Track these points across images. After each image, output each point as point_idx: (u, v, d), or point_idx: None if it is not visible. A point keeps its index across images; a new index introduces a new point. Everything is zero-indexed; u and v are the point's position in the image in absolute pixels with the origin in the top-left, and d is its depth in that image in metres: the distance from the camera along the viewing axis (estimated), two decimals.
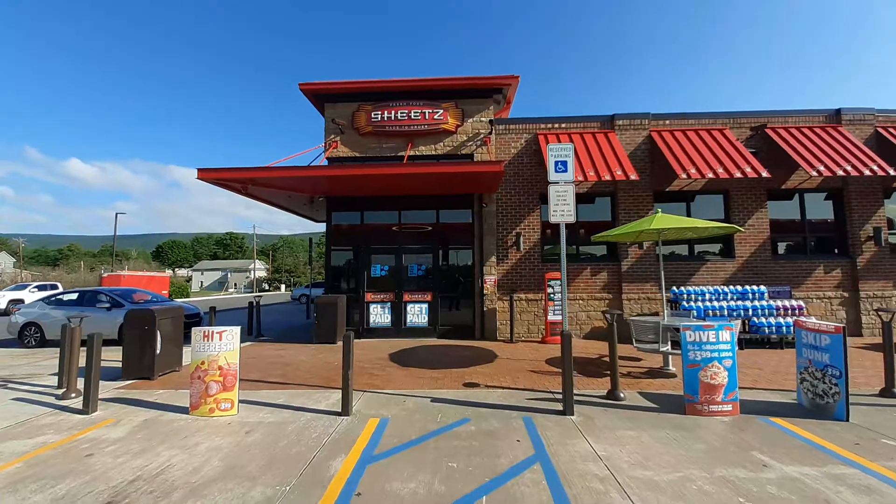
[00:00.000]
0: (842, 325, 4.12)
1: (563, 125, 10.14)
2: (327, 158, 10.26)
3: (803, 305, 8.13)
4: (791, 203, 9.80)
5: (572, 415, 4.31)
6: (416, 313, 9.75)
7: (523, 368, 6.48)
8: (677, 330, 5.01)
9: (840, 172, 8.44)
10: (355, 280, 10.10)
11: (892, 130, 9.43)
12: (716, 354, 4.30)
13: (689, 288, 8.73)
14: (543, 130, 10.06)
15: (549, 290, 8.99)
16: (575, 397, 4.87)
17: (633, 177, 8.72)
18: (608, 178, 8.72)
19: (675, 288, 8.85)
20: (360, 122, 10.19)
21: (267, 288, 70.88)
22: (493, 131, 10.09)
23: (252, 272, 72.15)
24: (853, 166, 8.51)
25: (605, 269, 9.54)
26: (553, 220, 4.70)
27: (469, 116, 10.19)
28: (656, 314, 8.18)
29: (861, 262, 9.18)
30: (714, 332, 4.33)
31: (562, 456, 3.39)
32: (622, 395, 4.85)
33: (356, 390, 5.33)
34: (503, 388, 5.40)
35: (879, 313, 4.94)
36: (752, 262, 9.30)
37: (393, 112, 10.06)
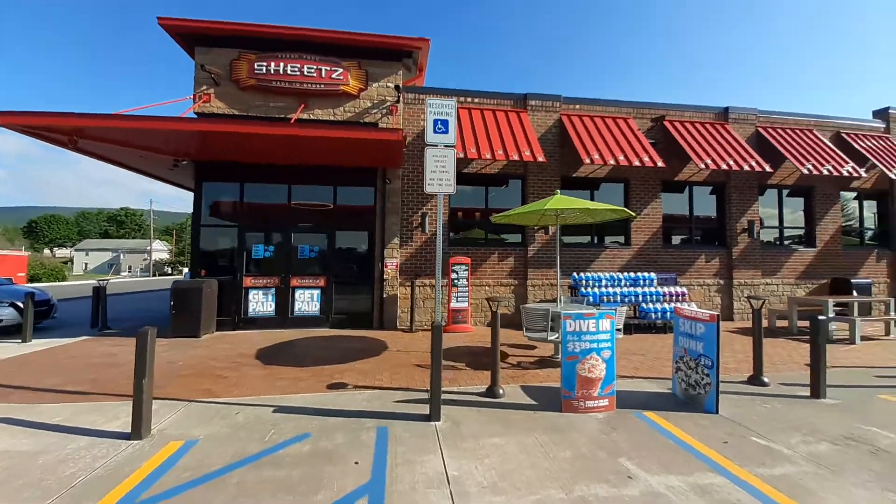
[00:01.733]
0: (716, 313, 3.96)
1: (477, 100, 9.50)
2: (196, 113, 8.46)
3: (686, 291, 8.53)
4: (682, 196, 10.31)
5: (438, 420, 3.65)
6: (306, 301, 8.57)
7: (410, 362, 5.76)
8: None
9: (724, 166, 8.94)
10: (232, 262, 8.56)
11: (770, 131, 10.30)
12: (595, 345, 3.92)
13: (588, 274, 8.73)
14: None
15: (454, 275, 8.40)
16: (451, 396, 4.26)
17: (541, 159, 8.40)
18: (516, 157, 8.29)
19: (575, 274, 8.80)
20: (240, 72, 8.51)
21: (169, 271, 62.66)
22: (402, 100, 9.11)
23: (149, 253, 63.19)
24: (735, 161, 9.07)
25: (512, 255, 9.22)
26: (429, 189, 3.94)
27: (374, 80, 9.06)
28: (559, 301, 8.04)
29: (736, 253, 9.98)
30: (594, 321, 3.94)
31: (402, 482, 2.67)
32: (502, 391, 4.34)
33: (181, 400, 4.16)
34: (375, 388, 4.61)
35: (750, 300, 5.02)
36: (645, 249, 9.63)
37: (282, 65, 8.54)
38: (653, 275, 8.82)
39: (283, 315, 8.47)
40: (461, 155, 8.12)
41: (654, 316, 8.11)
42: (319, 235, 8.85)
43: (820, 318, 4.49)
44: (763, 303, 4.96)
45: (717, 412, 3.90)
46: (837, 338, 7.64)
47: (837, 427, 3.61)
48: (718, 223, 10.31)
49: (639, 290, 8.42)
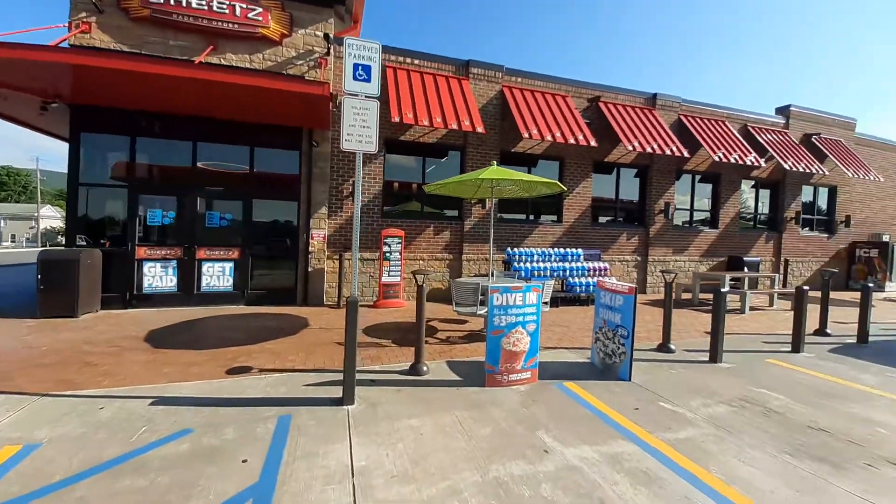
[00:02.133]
0: (634, 286, 4.05)
1: (416, 62, 8.86)
2: (72, 45, 6.85)
3: (608, 266, 9.00)
4: (610, 177, 10.74)
5: (352, 404, 3.33)
6: (216, 275, 7.63)
7: (332, 340, 5.32)
8: None
9: (649, 150, 9.40)
10: (124, 231, 7.28)
11: (690, 119, 10.99)
12: (520, 319, 3.82)
13: (522, 249, 8.82)
14: (393, 63, 8.61)
15: (386, 248, 7.97)
16: (371, 376, 3.95)
17: (481, 129, 8.13)
18: (455, 126, 7.92)
19: (509, 249, 8.84)
20: None
21: (63, 241, 53.89)
22: (332, 52, 8.18)
23: (37, 220, 53.75)
24: (659, 146, 9.56)
25: (448, 229, 8.98)
26: (346, 146, 3.44)
27: (301, 26, 7.99)
28: (494, 274, 8.02)
29: (652, 232, 10.72)
30: (521, 294, 3.82)
31: (297, 480, 2.32)
32: (426, 368, 4.12)
33: (31, 394, 3.37)
34: (284, 370, 4.13)
35: (664, 275, 5.29)
36: (575, 227, 9.95)
37: None
38: (580, 251, 9.16)
39: (188, 291, 7.47)
40: (397, 119, 7.56)
41: (578, 289, 8.45)
42: (233, 202, 7.84)
43: (722, 290, 4.84)
44: (675, 277, 5.26)
45: (630, 379, 4.05)
46: (731, 308, 8.58)
47: (733, 390, 3.92)
48: (639, 204, 10.96)
49: (567, 265, 8.70)
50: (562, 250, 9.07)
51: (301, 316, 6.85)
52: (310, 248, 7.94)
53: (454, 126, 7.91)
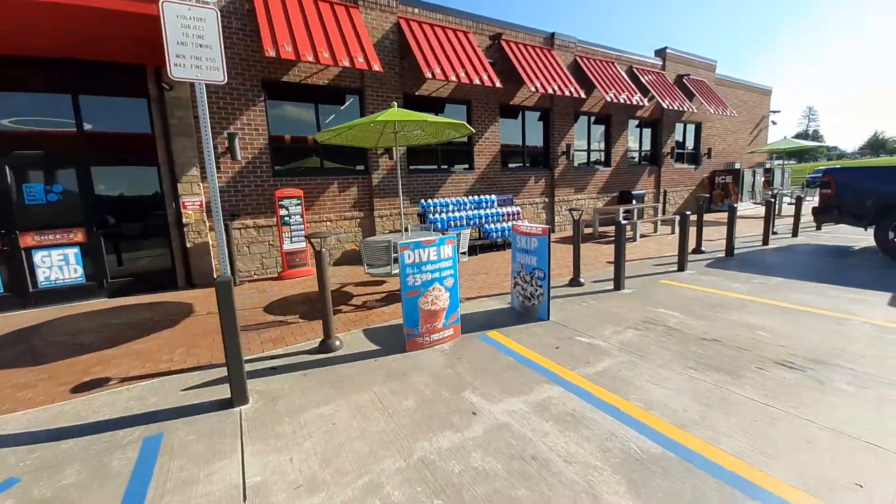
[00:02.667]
0: (547, 227, 3.96)
1: None
2: None
3: (520, 210, 9.16)
4: (516, 121, 10.67)
5: (246, 403, 2.76)
6: (57, 265, 5.96)
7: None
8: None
9: (550, 91, 9.40)
10: None
11: (585, 60, 11.19)
12: (437, 275, 3.50)
13: (436, 200, 8.45)
14: None
15: (283, 211, 6.95)
16: (271, 362, 3.36)
17: (377, 67, 7.20)
18: (347, 63, 6.89)
19: (423, 201, 8.41)
20: None
21: None
22: None
23: None
24: (559, 86, 9.62)
25: (355, 184, 8.15)
26: (177, 74, 2.52)
27: None
28: (403, 231, 7.58)
29: (557, 174, 11.13)
30: (435, 248, 3.46)
31: None
32: (338, 342, 3.65)
33: None
34: (158, 375, 3.32)
35: (571, 212, 5.38)
36: (487, 173, 9.84)
37: None
38: (493, 197, 9.12)
39: (19, 291, 5.74)
40: (271, 52, 6.27)
41: (495, 235, 8.49)
42: (64, 170, 6.01)
43: (622, 222, 5.08)
44: (581, 214, 5.38)
45: (548, 318, 4.09)
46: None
47: (637, 313, 4.18)
48: (544, 148, 11.19)
49: (482, 212, 8.62)
50: (476, 198, 8.92)
51: (184, 302, 5.74)
52: (184, 220, 6.58)
53: (345, 63, 6.88)
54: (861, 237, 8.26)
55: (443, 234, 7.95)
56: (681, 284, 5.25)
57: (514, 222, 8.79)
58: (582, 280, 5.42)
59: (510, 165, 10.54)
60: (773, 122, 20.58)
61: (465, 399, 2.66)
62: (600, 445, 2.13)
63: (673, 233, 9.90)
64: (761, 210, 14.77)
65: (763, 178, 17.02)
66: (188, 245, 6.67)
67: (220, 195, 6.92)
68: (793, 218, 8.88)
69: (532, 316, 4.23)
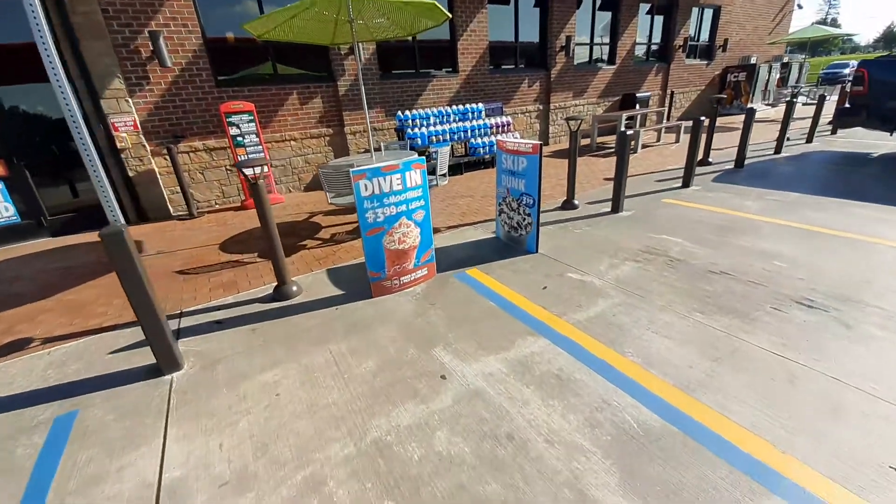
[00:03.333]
0: (538, 142, 3.25)
1: None
2: None
3: (511, 121, 8.14)
4: (508, 8, 8.95)
5: (178, 369, 2.36)
6: None
7: (172, 269, 3.99)
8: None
9: None
10: None
11: None
12: (404, 208, 2.90)
13: (415, 112, 7.39)
14: None
15: (234, 130, 5.97)
16: (218, 314, 2.95)
17: None
18: None
19: (400, 113, 7.35)
20: None
21: None
22: None
23: None
24: None
25: (318, 94, 6.98)
26: None
27: None
28: (381, 148, 6.68)
29: (554, 75, 9.76)
30: (399, 175, 2.80)
31: None
32: (295, 287, 3.18)
33: None
34: (83, 334, 2.88)
35: (569, 122, 4.57)
36: (473, 77, 8.53)
37: None
38: (481, 106, 8.01)
39: None
40: None
41: (482, 151, 7.63)
42: None
43: (627, 132, 4.33)
44: (580, 124, 4.58)
45: (537, 251, 3.61)
46: None
47: (636, 241, 3.71)
48: (540, 43, 9.61)
49: (468, 124, 7.62)
50: (461, 107, 7.83)
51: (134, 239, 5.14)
52: (118, 145, 5.64)
53: None
54: (880, 142, 7.55)
55: (422, 153, 7.11)
56: (686, 203, 4.71)
57: (500, 137, 7.84)
58: (576, 202, 4.84)
59: (501, 67, 9.14)
60: (799, 6, 18.06)
61: (434, 358, 2.28)
62: (589, 418, 1.79)
63: (677, 142, 9.04)
64: (771, 112, 13.62)
65: (778, 75, 15.43)
66: (130, 174, 5.83)
67: (157, 112, 5.87)
68: (810, 120, 8.01)
69: (519, 248, 3.75)
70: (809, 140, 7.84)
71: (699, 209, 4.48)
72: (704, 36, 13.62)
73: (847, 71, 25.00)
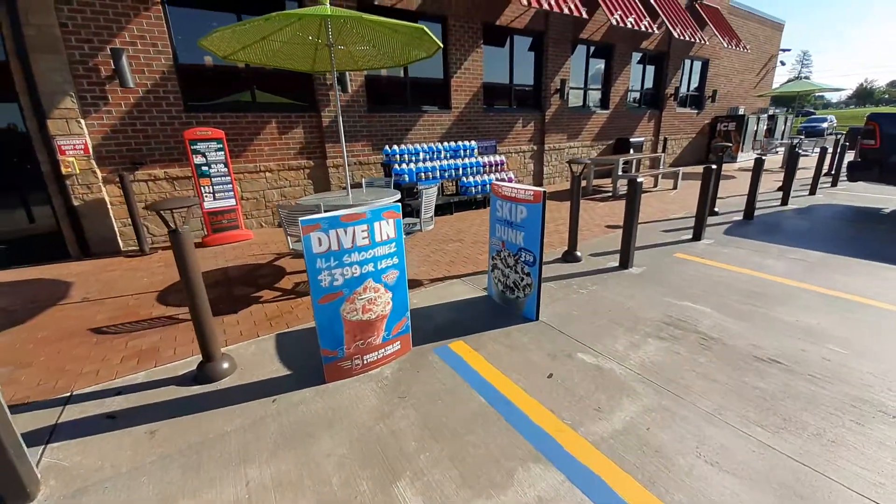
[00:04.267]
0: (541, 189, 2.69)
1: None
2: None
3: (505, 160, 7.75)
4: (503, 50, 8.84)
5: (28, 500, 1.59)
6: None
7: (85, 325, 3.23)
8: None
9: (545, 5, 7.57)
10: None
11: None
12: (370, 268, 2.25)
13: (404, 147, 6.95)
14: None
15: (199, 158, 5.38)
16: (115, 402, 2.17)
17: None
18: None
19: (388, 147, 6.90)
20: None
21: None
22: None
23: None
24: (556, 1, 7.78)
25: (300, 124, 6.50)
26: None
27: None
28: (363, 184, 6.11)
29: (548, 116, 9.57)
30: (364, 226, 2.17)
31: None
32: (226, 364, 2.45)
33: None
34: None
35: (571, 165, 4.09)
36: (466, 114, 8.23)
37: None
38: (474, 143, 7.63)
39: None
40: None
41: (474, 190, 7.15)
42: None
43: (638, 178, 3.84)
44: (584, 168, 4.10)
45: (537, 318, 2.97)
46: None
47: (655, 308, 3.10)
48: (535, 84, 9.48)
49: (460, 161, 7.19)
50: (453, 144, 7.43)
51: (63, 280, 4.37)
52: (63, 170, 4.97)
53: None
54: (884, 196, 7.31)
55: (410, 190, 6.58)
56: (701, 260, 4.18)
57: (495, 180, 7.41)
58: (578, 254, 4.28)
59: (495, 107, 8.90)
60: (782, 63, 18.94)
61: (395, 502, 1.56)
62: None
63: (675, 188, 8.74)
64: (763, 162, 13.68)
65: (766, 126, 15.76)
66: (76, 203, 5.13)
67: (114, 136, 5.27)
68: (812, 171, 7.80)
69: (515, 311, 3.10)
70: (812, 192, 7.58)
71: (718, 268, 3.93)
72: (694, 86, 13.89)
73: (825, 125, 26.15)
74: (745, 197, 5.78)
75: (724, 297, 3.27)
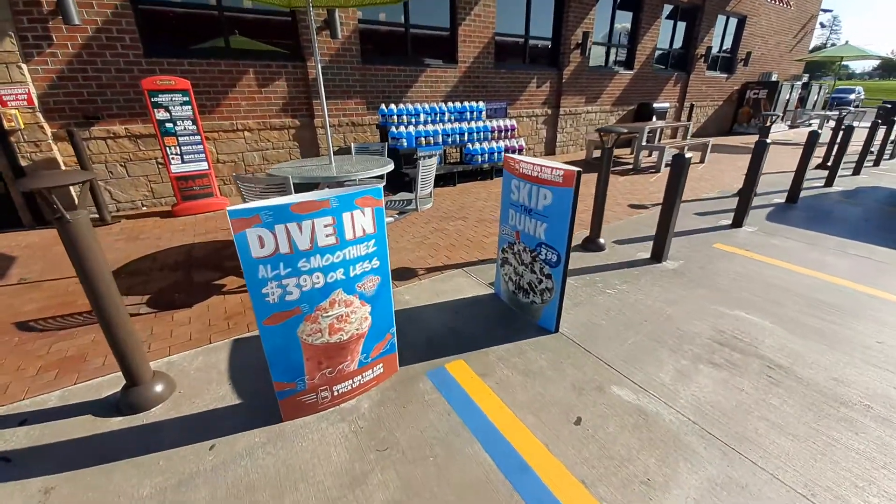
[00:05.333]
0: (576, 170, 2.02)
1: None
2: None
3: (515, 125, 6.92)
4: None
5: None
6: None
7: (10, 319, 2.67)
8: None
9: None
10: None
11: None
12: (339, 275, 1.64)
13: (402, 107, 6.12)
14: None
15: (161, 113, 4.61)
16: (16, 436, 1.62)
17: None
18: None
19: (384, 107, 6.07)
20: None
21: None
22: None
23: None
24: None
25: (282, 76, 5.64)
26: None
27: None
28: (360, 149, 5.31)
29: (566, 75, 8.57)
30: (329, 218, 1.54)
31: None
32: (157, 389, 1.90)
33: None
34: None
35: (601, 134, 3.36)
36: (474, 70, 7.28)
37: None
38: (482, 104, 6.77)
39: None
40: None
41: (480, 159, 6.38)
42: None
43: (686, 154, 3.12)
44: (617, 138, 3.38)
45: (557, 330, 2.39)
46: (645, 166, 7.50)
47: (701, 319, 2.51)
48: (553, 38, 8.39)
49: (465, 125, 6.37)
50: (458, 105, 6.58)
51: (7, 255, 3.78)
52: (5, 125, 4.25)
53: None
54: None
55: (409, 157, 5.82)
56: (747, 253, 3.54)
57: (504, 147, 6.55)
58: (602, 241, 3.64)
59: (507, 63, 7.89)
60: (822, 25, 17.27)
61: None
62: None
63: (702, 161, 7.92)
64: (791, 135, 12.66)
65: (798, 95, 14.49)
66: (22, 163, 4.45)
67: (62, 84, 4.49)
68: (861, 147, 6.97)
69: (529, 317, 2.52)
70: (857, 172, 6.78)
71: (769, 265, 3.31)
72: (726, 47, 12.58)
73: (853, 97, 24.45)
74: (784, 175, 5.05)
75: (785, 306, 2.67)
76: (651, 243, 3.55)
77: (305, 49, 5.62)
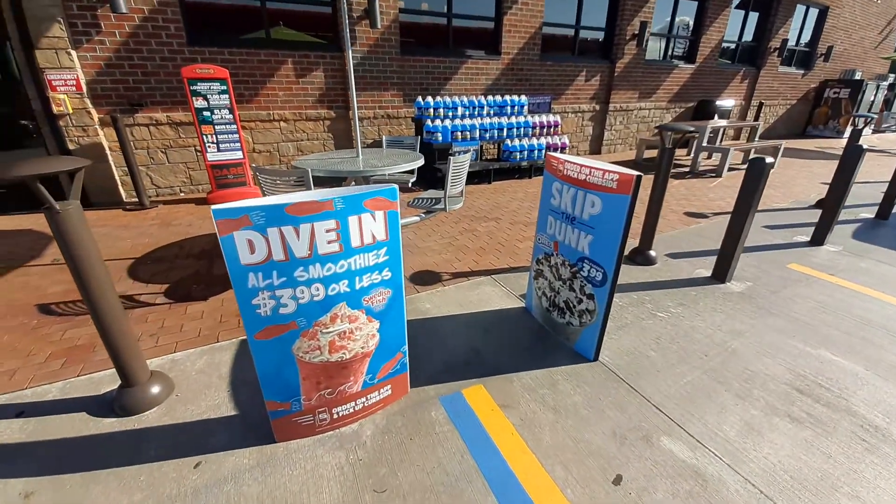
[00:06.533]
0: (633, 173, 1.68)
1: None
2: None
3: (559, 121, 6.47)
4: None
5: None
6: None
7: (32, 301, 2.70)
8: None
9: None
10: None
11: None
12: (343, 286, 1.41)
13: (438, 99, 5.87)
14: None
15: (199, 102, 4.62)
16: (12, 428, 1.55)
17: None
18: None
19: (420, 99, 5.85)
20: None
21: None
22: None
23: None
24: None
25: (319, 66, 5.54)
26: None
27: None
28: (392, 143, 5.12)
29: (619, 68, 7.95)
30: (334, 221, 1.31)
31: None
32: (153, 390, 1.76)
33: None
34: None
35: (663, 133, 2.95)
36: (518, 62, 6.88)
37: None
38: (524, 98, 6.39)
39: None
40: None
41: (518, 156, 6.02)
42: None
43: (768, 159, 2.66)
44: (682, 137, 2.95)
45: (595, 358, 2.06)
46: (703, 168, 6.81)
47: (775, 358, 2.09)
48: (607, 28, 7.81)
49: (505, 120, 6.03)
50: (499, 99, 6.24)
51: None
52: (54, 110, 4.43)
53: None
54: None
55: (447, 149, 5.57)
56: (830, 278, 3.00)
57: (546, 145, 6.10)
58: (653, 254, 3.23)
59: (553, 55, 7.42)
60: None
61: None
62: None
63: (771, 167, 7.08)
64: (874, 140, 11.19)
65: (884, 97, 12.79)
66: (70, 147, 4.63)
67: (109, 71, 4.62)
68: None
69: (563, 344, 2.21)
70: None
71: (859, 293, 2.77)
72: (805, 40, 11.29)
73: None
74: (869, 186, 4.31)
75: (883, 349, 2.18)
76: (711, 259, 3.10)
77: (343, 39, 5.49)
